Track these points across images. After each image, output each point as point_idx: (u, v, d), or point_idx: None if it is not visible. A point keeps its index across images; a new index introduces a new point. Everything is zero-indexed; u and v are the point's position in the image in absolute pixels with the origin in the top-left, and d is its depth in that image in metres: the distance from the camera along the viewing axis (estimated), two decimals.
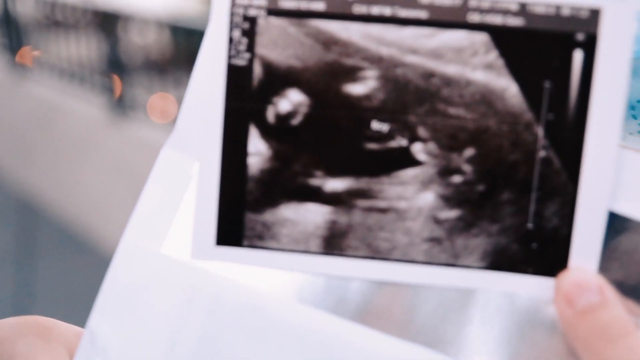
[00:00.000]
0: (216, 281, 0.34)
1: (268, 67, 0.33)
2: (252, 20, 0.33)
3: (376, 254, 0.33)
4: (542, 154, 0.31)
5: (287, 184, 0.33)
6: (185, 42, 3.96)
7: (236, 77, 0.33)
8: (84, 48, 4.10)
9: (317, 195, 0.33)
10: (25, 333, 0.42)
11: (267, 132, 0.33)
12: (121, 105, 3.69)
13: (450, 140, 0.32)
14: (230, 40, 0.33)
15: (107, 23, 3.80)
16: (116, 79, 3.76)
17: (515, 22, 0.31)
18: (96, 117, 3.82)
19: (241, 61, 0.33)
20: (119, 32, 3.81)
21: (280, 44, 0.33)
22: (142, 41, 4.02)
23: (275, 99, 0.33)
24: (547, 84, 0.31)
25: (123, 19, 3.78)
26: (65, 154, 4.05)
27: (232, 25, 0.33)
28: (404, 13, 0.32)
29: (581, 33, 0.31)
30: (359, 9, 0.32)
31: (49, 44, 4.44)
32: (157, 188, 0.36)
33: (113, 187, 3.70)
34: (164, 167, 0.35)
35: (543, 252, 0.32)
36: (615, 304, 0.30)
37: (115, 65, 3.79)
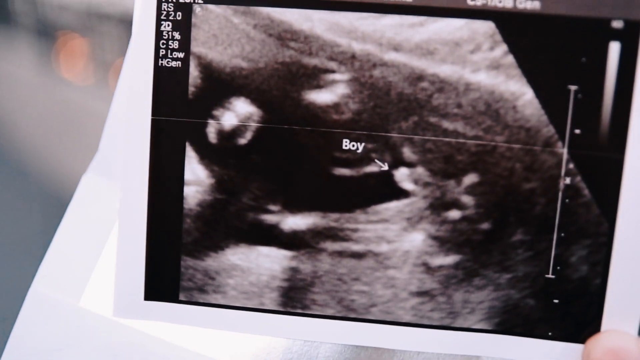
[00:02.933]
0: (146, 342, 0.27)
1: (207, 69, 0.25)
2: (187, 9, 0.25)
3: (349, 312, 0.25)
4: (566, 181, 0.24)
5: (234, 221, 0.26)
6: None
7: (167, 83, 0.26)
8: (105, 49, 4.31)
9: (273, 236, 0.25)
10: None
11: (208, 155, 0.26)
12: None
13: (445, 165, 0.24)
14: (159, 35, 0.25)
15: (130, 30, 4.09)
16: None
17: (530, 5, 0.23)
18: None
19: (173, 62, 0.26)
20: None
21: (222, 39, 0.25)
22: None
23: (218, 112, 0.25)
24: (572, 89, 0.23)
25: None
26: None
27: (161, 17, 0.25)
28: None
29: (618, 19, 0.23)
30: None
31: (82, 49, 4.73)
32: (76, 224, 0.28)
33: None
34: (85, 198, 0.28)
35: (567, 310, 0.24)
36: None
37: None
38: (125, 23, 4.59)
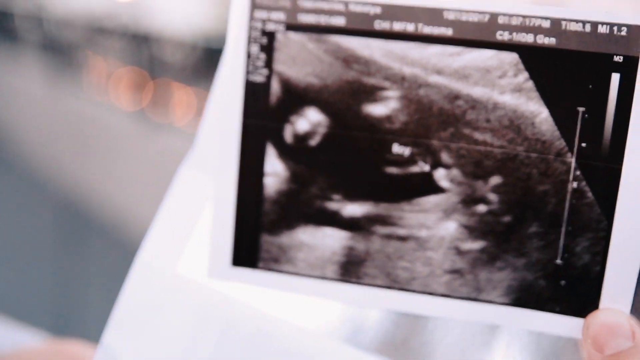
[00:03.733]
0: (230, 303, 0.33)
1: (286, 84, 0.31)
2: (271, 36, 0.31)
3: (394, 284, 0.31)
4: (574, 185, 0.29)
5: (304, 206, 0.32)
6: (208, 60, 4.15)
7: (254, 93, 0.32)
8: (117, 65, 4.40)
9: (335, 220, 0.32)
10: None
11: (285, 152, 0.32)
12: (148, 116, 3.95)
13: (475, 168, 0.30)
14: (248, 55, 0.32)
15: (138, 42, 4.03)
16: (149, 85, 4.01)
17: (547, 41, 0.29)
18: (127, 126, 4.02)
19: (259, 77, 0.32)
20: (148, 50, 4.02)
21: (299, 60, 0.31)
22: (169, 59, 4.22)
23: (293, 118, 0.32)
24: (580, 110, 0.29)
25: (152, 40, 4.02)
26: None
27: (250, 40, 0.32)
28: (428, 30, 0.30)
29: (619, 54, 0.28)
30: (380, 25, 0.30)
31: (87, 63, 4.71)
32: (174, 207, 0.35)
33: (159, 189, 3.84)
34: (182, 186, 0.35)
35: (572, 290, 0.29)
36: None
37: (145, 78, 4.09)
38: (123, 36, 4.69)
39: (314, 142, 0.32)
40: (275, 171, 0.32)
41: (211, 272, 0.33)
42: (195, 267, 0.34)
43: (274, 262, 0.32)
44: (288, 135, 0.32)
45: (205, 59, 4.35)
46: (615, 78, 0.28)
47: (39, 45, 5.34)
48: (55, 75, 4.99)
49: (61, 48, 4.96)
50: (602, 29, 0.28)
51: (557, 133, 0.29)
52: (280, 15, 0.31)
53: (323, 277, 0.32)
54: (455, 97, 0.30)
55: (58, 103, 4.81)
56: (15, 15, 5.51)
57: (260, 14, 0.32)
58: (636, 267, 0.29)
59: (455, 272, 0.31)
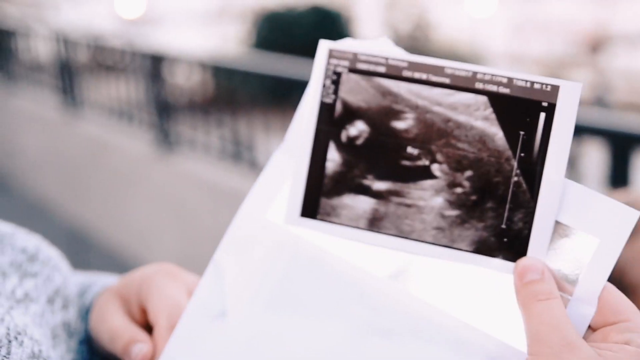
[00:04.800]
0: (298, 240, 0.52)
1: (345, 105, 0.51)
2: (338, 75, 0.51)
3: (401, 234, 0.50)
4: (515, 179, 0.47)
5: (349, 182, 0.51)
6: (225, 82, 4.16)
7: (325, 110, 0.51)
8: (133, 88, 4.43)
9: (367, 191, 0.50)
10: (160, 273, 0.61)
11: (340, 147, 0.51)
12: (167, 141, 3.96)
13: (456, 164, 0.48)
14: (324, 85, 0.51)
15: (153, 65, 4.10)
16: None
17: (504, 90, 0.47)
18: (143, 152, 4.08)
19: (328, 100, 0.51)
20: (164, 74, 4.12)
21: (354, 91, 0.50)
22: (186, 82, 4.29)
23: (348, 126, 0.51)
24: (521, 133, 0.47)
25: (168, 61, 4.11)
26: (115, 186, 4.31)
27: (326, 76, 0.51)
28: (434, 79, 0.49)
29: (545, 101, 0.47)
30: (406, 73, 0.49)
31: (99, 85, 4.72)
32: (266, 178, 0.54)
33: (158, 216, 3.93)
34: (275, 164, 0.54)
35: (510, 245, 0.48)
36: (550, 281, 0.46)
37: (161, 104, 4.07)
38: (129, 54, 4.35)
39: (359, 142, 0.51)
40: (333, 158, 0.51)
41: (287, 220, 0.52)
42: (277, 216, 0.53)
43: (327, 215, 0.51)
44: (344, 136, 0.51)
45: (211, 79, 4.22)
46: (542, 116, 0.47)
47: (51, 66, 5.34)
48: (66, 97, 5.05)
49: (72, 69, 5.01)
50: (536, 86, 0.47)
51: (507, 146, 0.47)
52: (346, 63, 0.51)
53: (357, 227, 0.51)
54: (448, 120, 0.49)
55: (73, 128, 4.88)
56: (30, 36, 5.54)
57: (333, 61, 0.51)
58: (549, 233, 0.47)
59: (439, 229, 0.49)
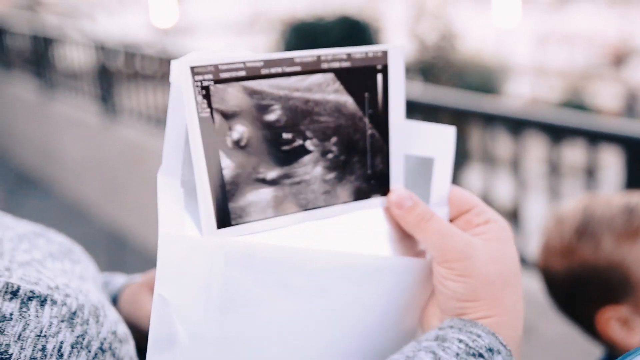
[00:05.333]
0: (223, 243, 0.54)
1: (221, 114, 0.54)
2: (206, 88, 0.53)
3: (301, 208, 0.57)
4: (369, 132, 0.59)
5: (247, 180, 0.55)
6: None
7: (205, 124, 0.53)
8: (165, 95, 4.35)
9: (264, 183, 0.56)
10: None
11: (229, 153, 0.54)
12: None
13: (323, 135, 0.57)
14: (196, 102, 0.53)
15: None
16: None
17: (346, 64, 0.57)
18: None
19: (205, 114, 0.53)
20: None
21: (224, 99, 0.54)
22: None
23: (229, 132, 0.54)
24: (367, 95, 0.58)
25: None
26: (150, 189, 4.33)
27: (195, 93, 0.53)
28: (288, 69, 0.55)
29: (380, 64, 0.58)
30: (264, 71, 0.54)
31: (135, 92, 4.93)
32: (165, 202, 0.54)
33: None
34: (164, 188, 0.54)
35: (378, 184, 0.59)
36: (421, 203, 0.59)
37: None
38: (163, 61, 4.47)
39: (243, 143, 0.55)
40: (227, 165, 0.54)
41: (206, 235, 0.54)
42: (195, 233, 0.54)
43: (239, 217, 0.55)
44: (229, 142, 0.54)
45: None
46: (379, 76, 0.58)
47: (89, 74, 5.43)
48: (104, 103, 5.14)
49: (109, 77, 5.14)
50: (370, 54, 0.58)
51: (357, 108, 0.58)
52: (210, 76, 0.53)
53: (267, 218, 0.56)
54: (307, 101, 0.56)
55: (111, 133, 4.58)
56: (69, 44, 5.63)
57: (198, 77, 0.53)
58: (402, 165, 0.59)
59: (326, 192, 0.58)
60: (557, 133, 2.60)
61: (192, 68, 0.52)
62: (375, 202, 0.60)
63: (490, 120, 2.86)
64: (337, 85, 0.57)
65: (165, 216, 0.54)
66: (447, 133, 0.61)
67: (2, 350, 0.50)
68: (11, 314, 0.51)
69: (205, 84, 0.53)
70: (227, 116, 0.54)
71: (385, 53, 0.59)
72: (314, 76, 0.57)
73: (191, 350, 0.54)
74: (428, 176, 0.61)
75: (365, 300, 0.59)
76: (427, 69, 8.76)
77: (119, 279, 0.77)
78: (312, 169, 0.57)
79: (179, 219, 0.54)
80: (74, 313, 0.55)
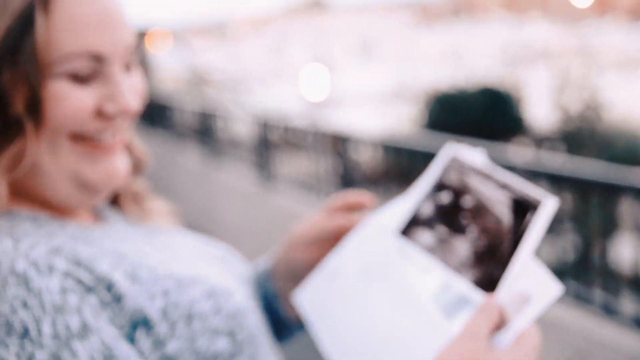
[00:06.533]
0: (396, 241, 0.86)
1: (445, 184, 0.93)
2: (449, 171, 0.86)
3: (439, 257, 0.81)
4: (506, 245, 0.78)
5: (426, 223, 0.91)
6: (395, 158, 4.59)
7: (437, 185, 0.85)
8: (317, 164, 4.91)
9: (433, 230, 0.90)
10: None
11: (434, 204, 0.92)
12: None
13: (482, 228, 0.84)
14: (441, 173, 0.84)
15: (334, 143, 4.48)
16: None
17: (517, 195, 0.87)
18: None
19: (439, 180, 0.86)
20: (342, 151, 4.53)
21: (452, 177, 0.84)
22: (360, 158, 4.80)
23: (441, 193, 0.93)
24: (518, 221, 0.77)
25: (345, 140, 4.60)
26: None
27: (443, 171, 0.84)
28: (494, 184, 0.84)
29: (534, 206, 0.77)
30: (479, 176, 0.89)
31: (289, 161, 5.29)
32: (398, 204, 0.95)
33: None
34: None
35: (488, 282, 0.77)
36: (504, 322, 0.72)
37: (340, 178, 4.42)
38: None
39: (442, 203, 0.91)
40: (430, 210, 0.92)
41: (393, 231, 0.83)
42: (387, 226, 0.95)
43: (408, 236, 0.84)
44: (437, 198, 0.84)
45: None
46: (530, 214, 0.77)
47: (249, 144, 5.91)
48: (262, 172, 5.63)
49: (267, 147, 5.61)
50: (532, 194, 0.81)
51: (510, 226, 0.77)
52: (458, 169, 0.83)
53: (422, 248, 0.88)
54: (486, 205, 0.89)
55: (268, 199, 5.29)
56: (230, 118, 6.21)
57: (453, 163, 0.82)
58: (510, 280, 0.75)
59: (462, 261, 0.89)
60: None
61: (452, 158, 0.81)
62: (480, 293, 0.75)
63: None
64: (509, 203, 0.79)
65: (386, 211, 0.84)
66: (552, 288, 0.73)
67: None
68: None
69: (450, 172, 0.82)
70: (445, 186, 0.83)
71: (540, 201, 0.77)
72: (499, 190, 0.80)
73: (338, 291, 0.81)
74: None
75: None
76: (571, 139, 8.57)
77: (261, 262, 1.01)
78: (463, 243, 0.79)
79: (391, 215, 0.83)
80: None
